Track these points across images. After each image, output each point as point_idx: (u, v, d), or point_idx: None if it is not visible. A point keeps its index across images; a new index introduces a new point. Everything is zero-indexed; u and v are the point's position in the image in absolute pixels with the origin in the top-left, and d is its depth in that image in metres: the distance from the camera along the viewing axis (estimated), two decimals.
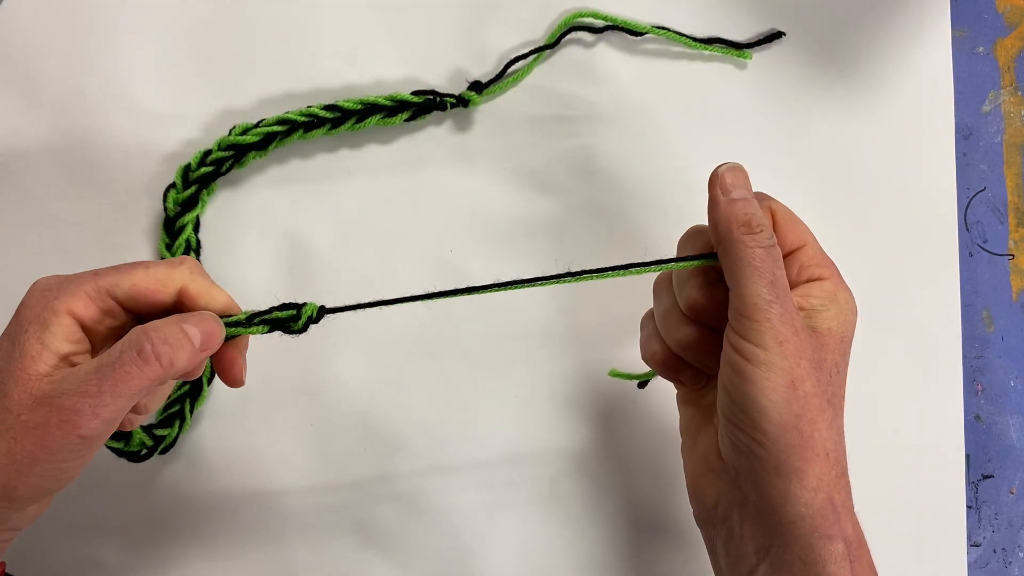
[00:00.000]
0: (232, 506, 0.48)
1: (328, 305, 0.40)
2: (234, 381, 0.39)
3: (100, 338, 0.36)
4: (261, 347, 0.49)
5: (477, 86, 0.49)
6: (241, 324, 0.38)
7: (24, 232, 0.49)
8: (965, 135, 0.54)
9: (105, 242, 0.49)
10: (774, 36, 0.52)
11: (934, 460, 0.51)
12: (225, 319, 0.38)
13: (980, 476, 0.52)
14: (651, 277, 0.51)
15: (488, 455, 0.49)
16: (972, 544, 0.51)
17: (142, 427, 0.46)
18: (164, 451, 0.47)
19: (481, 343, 0.50)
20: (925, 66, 0.53)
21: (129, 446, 0.46)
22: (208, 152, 0.48)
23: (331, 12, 0.51)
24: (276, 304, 0.39)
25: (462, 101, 0.49)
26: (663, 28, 0.52)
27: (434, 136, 0.51)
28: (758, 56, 0.53)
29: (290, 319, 0.39)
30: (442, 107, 0.49)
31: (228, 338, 0.38)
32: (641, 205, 0.52)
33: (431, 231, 0.51)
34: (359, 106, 0.48)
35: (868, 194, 0.52)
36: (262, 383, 0.49)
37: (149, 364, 0.34)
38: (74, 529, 0.48)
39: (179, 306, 0.37)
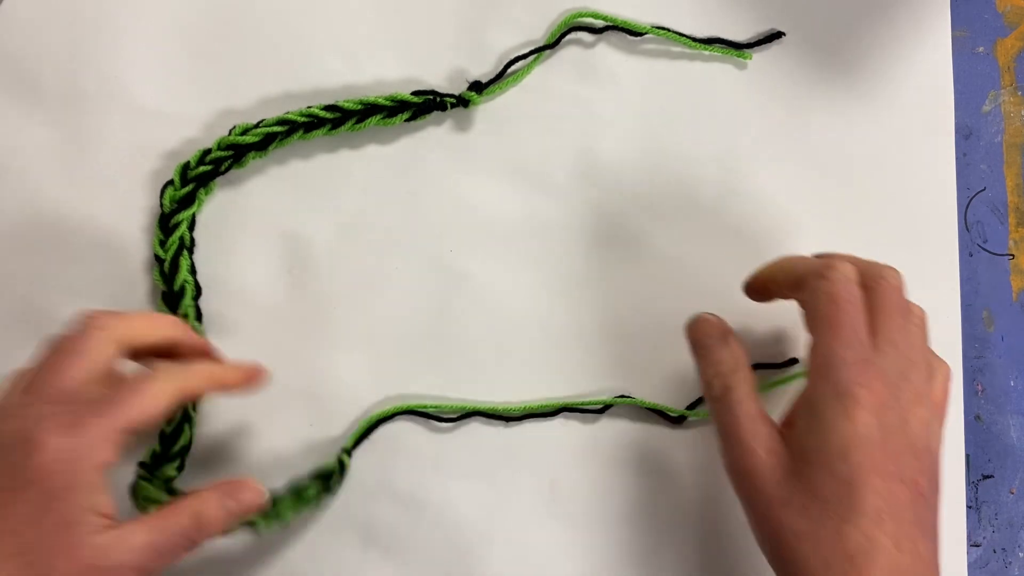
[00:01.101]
0: None
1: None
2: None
3: None
4: (261, 347, 0.49)
5: (477, 86, 0.49)
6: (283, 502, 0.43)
7: (24, 232, 0.49)
8: (965, 135, 0.54)
9: (105, 242, 0.49)
10: (774, 36, 0.52)
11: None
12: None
13: (980, 476, 0.52)
14: (650, 279, 0.51)
15: (488, 455, 0.49)
16: (972, 544, 0.51)
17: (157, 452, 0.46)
18: (185, 453, 0.47)
19: (481, 343, 0.50)
20: (925, 66, 0.53)
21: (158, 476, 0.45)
22: (208, 151, 0.48)
23: (331, 12, 0.52)
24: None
25: (462, 101, 0.49)
26: (663, 28, 0.52)
27: (434, 136, 0.51)
28: (758, 56, 0.53)
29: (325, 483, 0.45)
30: (442, 107, 0.49)
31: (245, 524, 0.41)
32: (641, 205, 0.52)
33: (431, 231, 0.51)
34: (359, 106, 0.48)
35: (868, 194, 0.52)
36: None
37: (193, 546, 0.37)
38: None
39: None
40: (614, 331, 0.50)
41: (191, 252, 0.48)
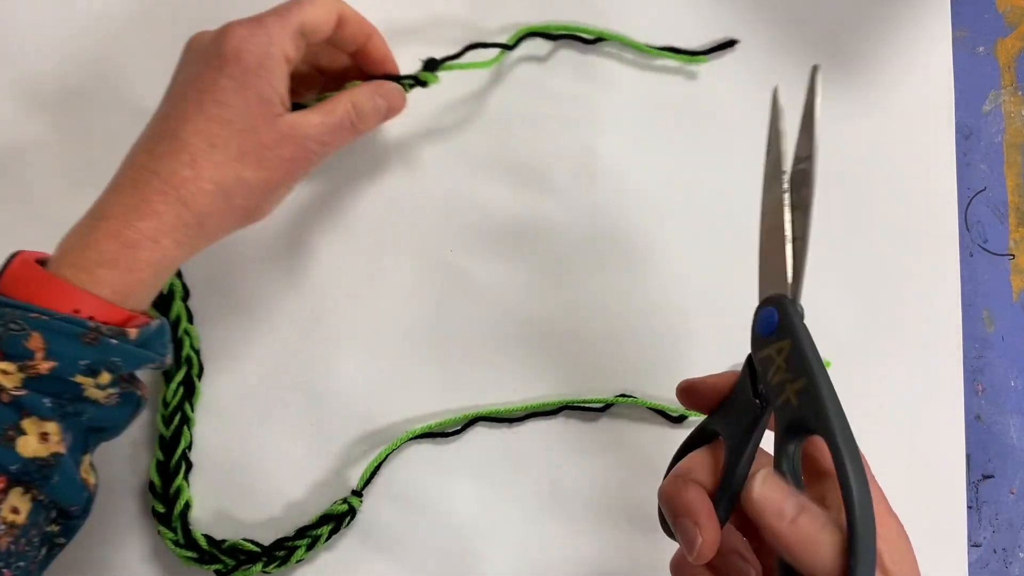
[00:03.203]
0: (232, 507, 0.48)
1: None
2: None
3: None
4: (262, 347, 0.49)
5: (431, 64, 0.49)
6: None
7: (24, 232, 0.49)
8: (965, 135, 0.54)
9: None
10: (727, 44, 0.52)
11: (934, 460, 0.51)
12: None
13: (980, 476, 0.52)
14: (650, 279, 0.51)
15: (488, 455, 0.49)
16: (972, 544, 0.51)
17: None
18: (187, 452, 0.47)
19: (481, 342, 0.50)
20: (925, 66, 0.53)
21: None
22: None
23: None
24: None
25: (419, 82, 0.49)
26: (615, 35, 0.51)
27: (433, 135, 0.51)
28: (759, 57, 0.53)
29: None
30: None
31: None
32: (641, 205, 0.52)
33: (431, 231, 0.51)
34: (319, 101, 0.48)
35: (868, 194, 0.52)
36: (262, 383, 0.49)
37: (355, 131, 0.43)
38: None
39: (336, 36, 0.43)
40: (614, 331, 0.50)
41: None
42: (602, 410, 0.49)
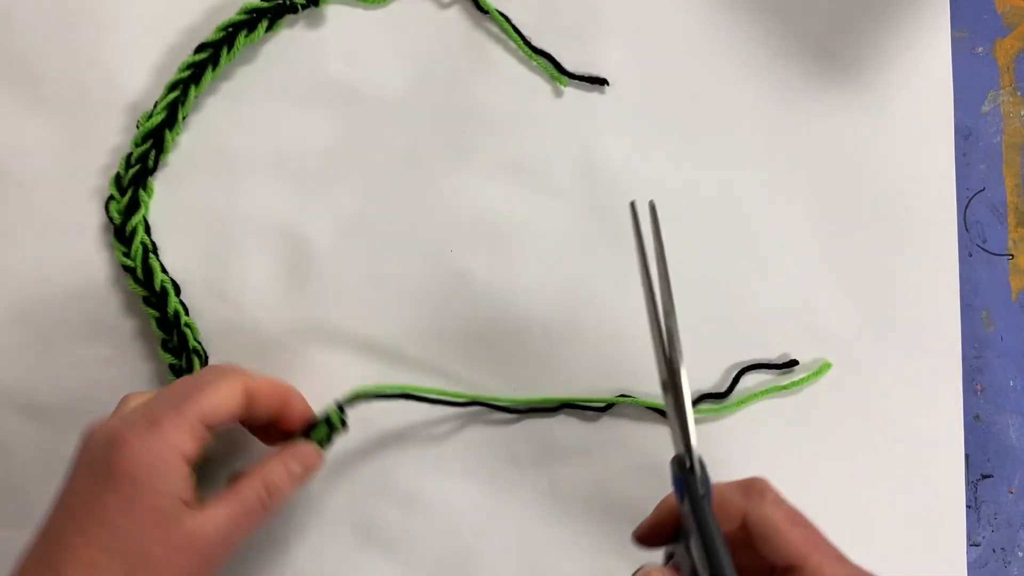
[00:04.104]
0: None
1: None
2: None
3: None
4: (262, 347, 0.49)
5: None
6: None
7: (24, 232, 0.49)
8: (965, 135, 0.54)
9: (106, 242, 0.49)
10: (598, 81, 0.51)
11: (934, 460, 0.51)
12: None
13: (980, 476, 0.52)
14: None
15: (488, 454, 0.49)
16: (972, 544, 0.51)
17: None
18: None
19: (480, 341, 0.50)
20: (925, 66, 0.53)
21: None
22: (129, 154, 0.48)
23: None
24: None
25: (312, 1, 0.50)
26: (505, 17, 0.51)
27: (433, 135, 0.51)
28: (758, 57, 0.53)
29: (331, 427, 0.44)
30: (293, 9, 0.49)
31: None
32: (640, 205, 0.52)
33: (431, 231, 0.51)
34: (223, 33, 0.48)
35: (868, 194, 0.52)
36: None
37: (269, 511, 0.40)
38: None
39: (250, 411, 0.41)
40: (614, 331, 0.50)
41: (156, 255, 0.48)
42: (603, 410, 0.49)
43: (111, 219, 0.48)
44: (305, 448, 0.43)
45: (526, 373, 0.50)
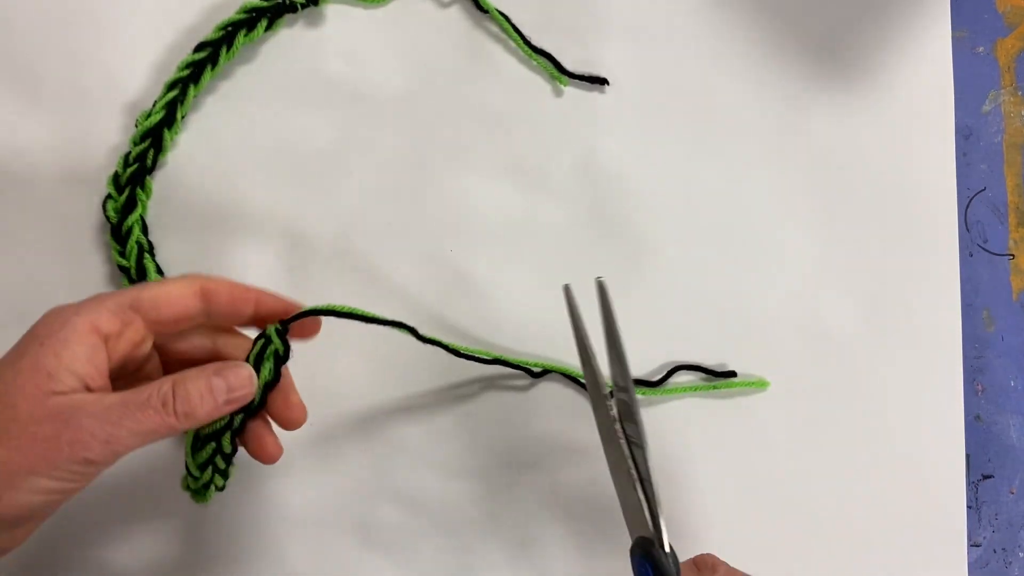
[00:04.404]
0: (232, 506, 0.48)
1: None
2: (263, 456, 0.39)
3: (119, 358, 0.36)
4: None
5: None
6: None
7: (24, 232, 0.49)
8: (965, 135, 0.54)
9: (106, 242, 0.49)
10: (597, 80, 0.52)
11: (934, 460, 0.51)
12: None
13: (980, 476, 0.52)
14: (650, 278, 0.51)
15: (488, 454, 0.49)
16: (972, 544, 0.51)
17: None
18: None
19: (480, 341, 0.50)
20: (925, 66, 0.53)
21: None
22: (127, 153, 0.48)
23: None
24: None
25: (311, 0, 0.50)
26: (505, 17, 0.51)
27: (431, 135, 0.51)
28: (759, 57, 0.53)
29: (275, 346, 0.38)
30: (293, 9, 0.49)
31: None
32: (640, 205, 0.52)
33: (431, 230, 0.51)
34: (222, 32, 0.48)
35: (868, 194, 0.52)
36: None
37: (169, 416, 0.34)
38: (75, 530, 0.48)
39: (210, 314, 0.38)
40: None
41: (152, 255, 0.48)
42: (538, 376, 0.49)
43: (108, 218, 0.48)
44: (236, 368, 0.37)
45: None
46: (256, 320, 0.39)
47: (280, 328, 0.39)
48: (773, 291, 0.51)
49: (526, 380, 0.50)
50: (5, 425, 0.32)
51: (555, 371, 0.49)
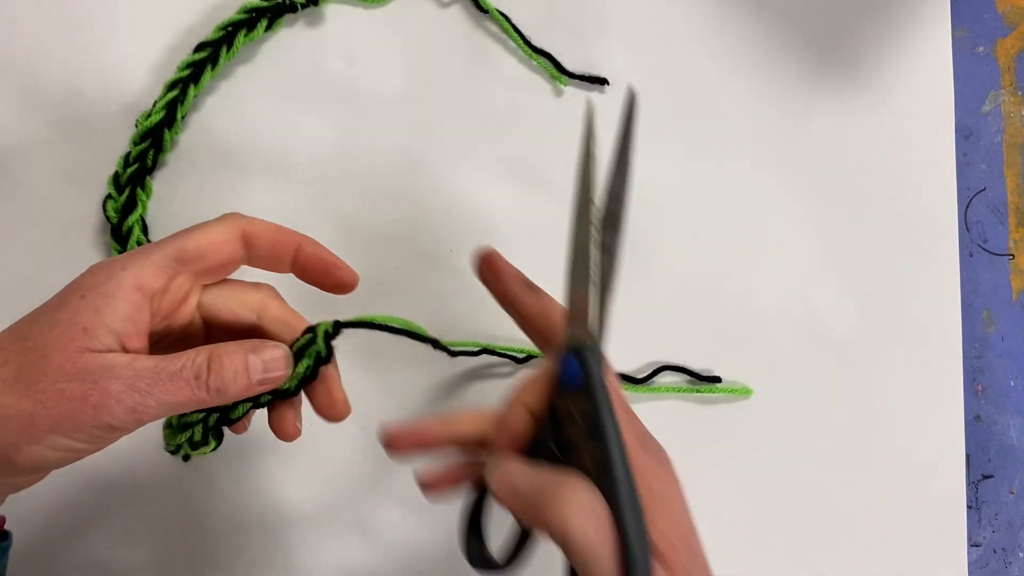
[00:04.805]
0: (232, 506, 0.48)
1: (334, 308, 0.39)
2: (280, 433, 0.38)
3: (163, 315, 0.35)
4: None
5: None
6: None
7: (24, 232, 0.49)
8: (965, 135, 0.54)
9: (106, 242, 0.49)
10: (597, 80, 0.52)
11: (934, 460, 0.51)
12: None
13: (980, 476, 0.52)
14: (650, 278, 0.51)
15: None
16: (972, 544, 0.51)
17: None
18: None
19: (480, 341, 0.50)
20: (925, 66, 0.53)
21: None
22: (128, 153, 0.48)
23: None
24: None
25: (311, 1, 0.50)
26: (505, 17, 0.51)
27: (430, 134, 0.51)
28: (759, 57, 0.53)
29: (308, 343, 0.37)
30: (292, 8, 0.50)
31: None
32: (640, 205, 0.52)
33: (431, 230, 0.51)
34: (222, 32, 0.48)
35: (868, 194, 0.52)
36: None
37: (201, 391, 0.33)
38: (75, 530, 0.48)
39: (251, 258, 0.37)
40: (615, 331, 0.50)
41: None
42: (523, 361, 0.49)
43: (108, 218, 0.48)
44: (274, 348, 0.36)
45: (524, 371, 0.50)
46: (295, 268, 0.38)
47: (330, 331, 0.37)
48: (772, 291, 0.51)
49: (513, 367, 0.50)
50: (34, 377, 0.31)
51: (539, 356, 0.49)
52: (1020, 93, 0.54)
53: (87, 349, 0.32)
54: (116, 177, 0.48)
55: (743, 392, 0.50)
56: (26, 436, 0.31)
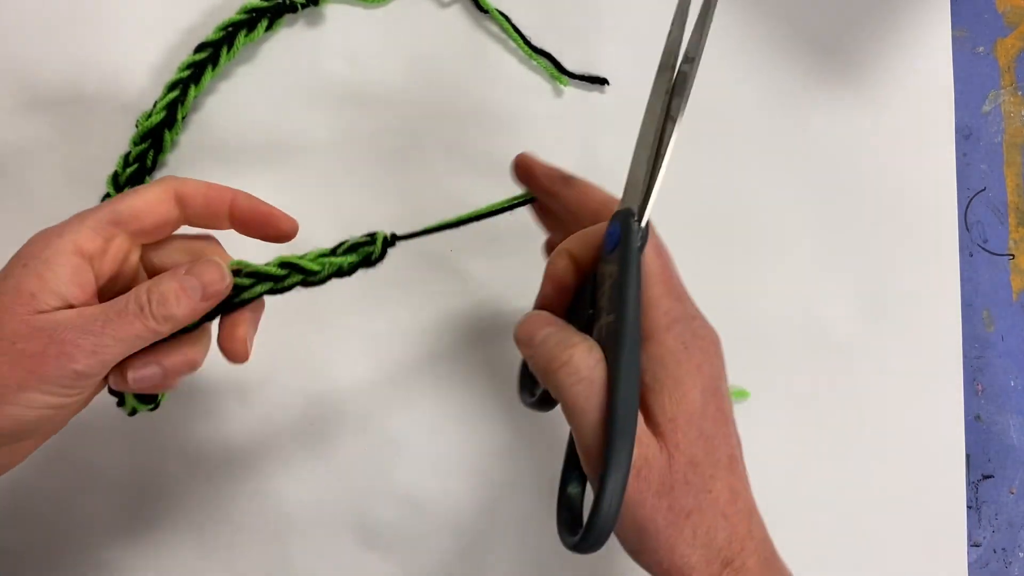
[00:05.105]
0: (232, 506, 0.48)
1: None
2: (233, 354, 0.39)
3: (107, 276, 0.37)
4: (261, 347, 0.49)
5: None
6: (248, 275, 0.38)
7: (24, 232, 0.49)
8: (965, 135, 0.54)
9: None
10: (597, 80, 0.51)
11: (934, 460, 0.51)
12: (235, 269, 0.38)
13: (980, 476, 0.52)
14: None
15: (488, 454, 0.49)
16: (972, 544, 0.51)
17: None
18: None
19: (480, 342, 0.50)
20: (925, 66, 0.53)
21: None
22: (127, 153, 0.48)
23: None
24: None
25: (311, 0, 0.50)
26: (505, 17, 0.51)
27: (430, 135, 0.51)
28: (758, 56, 0.53)
29: (364, 252, 0.38)
30: (293, 9, 0.50)
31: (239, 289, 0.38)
32: None
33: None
34: (223, 32, 0.48)
35: (868, 194, 0.52)
36: (262, 383, 0.49)
37: (148, 320, 0.35)
38: (74, 531, 0.48)
39: (187, 218, 0.38)
40: None
41: None
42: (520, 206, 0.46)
43: None
44: (207, 265, 0.37)
45: None
46: (233, 223, 0.39)
47: (388, 239, 0.39)
48: (771, 291, 0.51)
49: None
50: None
51: None
52: (1020, 93, 0.54)
53: (36, 311, 0.34)
54: (115, 177, 0.48)
55: (740, 395, 0.50)
56: (2, 397, 0.33)
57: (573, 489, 0.36)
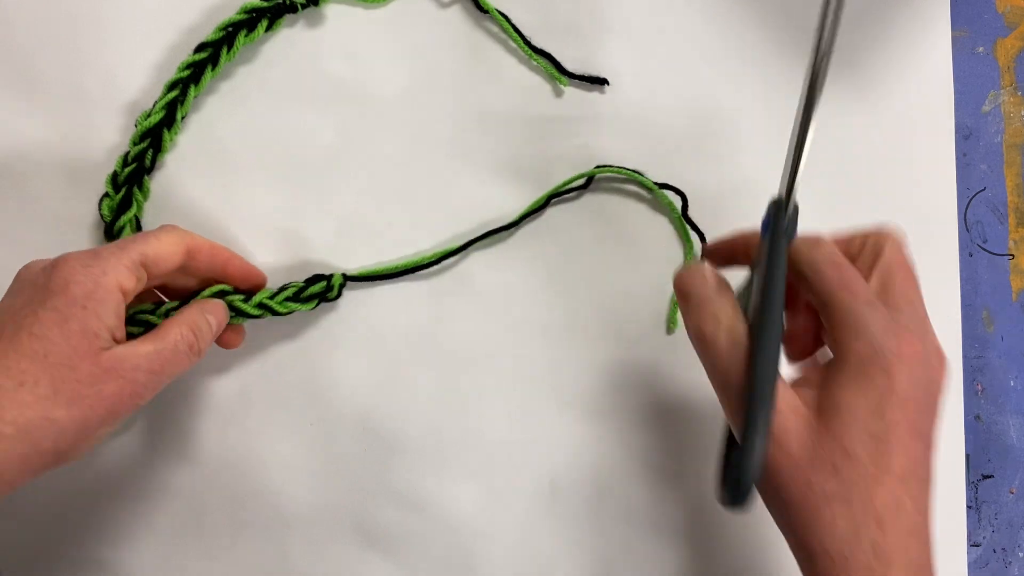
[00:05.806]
0: (232, 506, 0.48)
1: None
2: (229, 344, 0.46)
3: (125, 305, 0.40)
4: (261, 347, 0.49)
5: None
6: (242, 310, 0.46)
7: (24, 232, 0.49)
8: (965, 135, 0.54)
9: (100, 240, 0.49)
10: (597, 81, 0.52)
11: (934, 460, 0.51)
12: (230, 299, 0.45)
13: (980, 476, 0.52)
14: (650, 279, 0.51)
15: (488, 454, 0.49)
16: (972, 544, 0.51)
17: None
18: None
19: (480, 342, 0.50)
20: (925, 66, 0.53)
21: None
22: (127, 153, 0.48)
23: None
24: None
25: (311, 1, 0.50)
26: (505, 17, 0.51)
27: (430, 135, 0.51)
28: (758, 57, 0.53)
29: (320, 291, 0.47)
30: (293, 9, 0.50)
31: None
32: (642, 206, 0.52)
33: (431, 231, 0.51)
34: (222, 33, 0.48)
35: (868, 194, 0.52)
36: (262, 383, 0.49)
37: (195, 357, 0.41)
38: (74, 530, 0.48)
39: (187, 267, 0.43)
40: (614, 331, 0.50)
41: None
42: (584, 186, 0.49)
43: (102, 216, 0.48)
44: (217, 305, 0.44)
45: (526, 371, 0.50)
46: (225, 278, 0.45)
47: (342, 281, 0.48)
48: None
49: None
50: (75, 389, 0.36)
51: None
52: (1020, 93, 0.55)
53: (100, 350, 0.37)
54: (114, 176, 0.48)
55: None
56: (82, 438, 0.37)
57: (732, 451, 0.38)
